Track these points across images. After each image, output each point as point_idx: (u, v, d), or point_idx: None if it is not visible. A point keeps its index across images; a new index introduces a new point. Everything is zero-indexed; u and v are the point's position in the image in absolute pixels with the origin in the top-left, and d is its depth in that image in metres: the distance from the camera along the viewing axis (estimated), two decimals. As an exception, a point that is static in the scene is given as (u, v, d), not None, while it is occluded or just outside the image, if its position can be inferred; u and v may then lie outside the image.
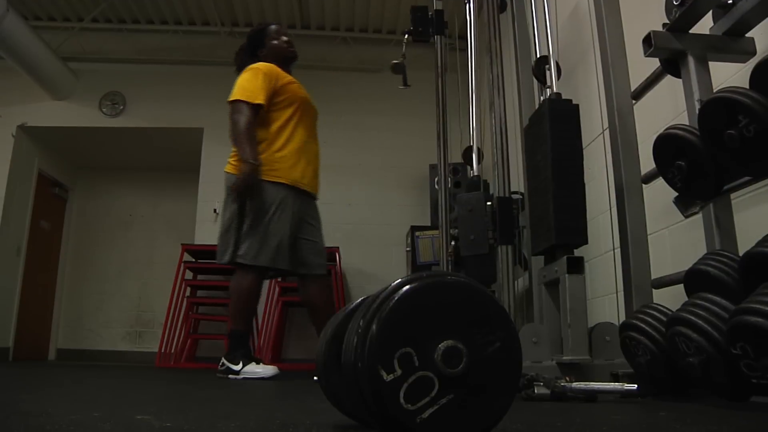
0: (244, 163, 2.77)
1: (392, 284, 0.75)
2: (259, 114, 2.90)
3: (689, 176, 1.70)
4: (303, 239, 3.00)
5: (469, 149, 3.37)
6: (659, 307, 1.68)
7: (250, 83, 2.91)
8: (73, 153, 6.56)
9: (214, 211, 5.71)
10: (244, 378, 2.73)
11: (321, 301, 3.07)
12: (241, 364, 2.77)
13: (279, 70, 3.05)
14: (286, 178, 2.90)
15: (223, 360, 2.83)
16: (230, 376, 2.77)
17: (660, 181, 1.92)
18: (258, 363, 2.82)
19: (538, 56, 2.62)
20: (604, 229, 2.74)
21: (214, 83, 5.75)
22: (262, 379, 2.73)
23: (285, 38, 3.16)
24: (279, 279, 5.21)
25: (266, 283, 5.23)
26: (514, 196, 2.79)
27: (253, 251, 2.80)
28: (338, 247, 5.29)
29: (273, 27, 3.21)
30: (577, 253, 2.16)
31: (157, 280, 6.31)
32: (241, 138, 2.81)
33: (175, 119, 5.98)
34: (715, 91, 1.76)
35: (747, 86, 1.46)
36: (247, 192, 2.78)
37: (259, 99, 2.88)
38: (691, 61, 1.86)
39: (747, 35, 1.82)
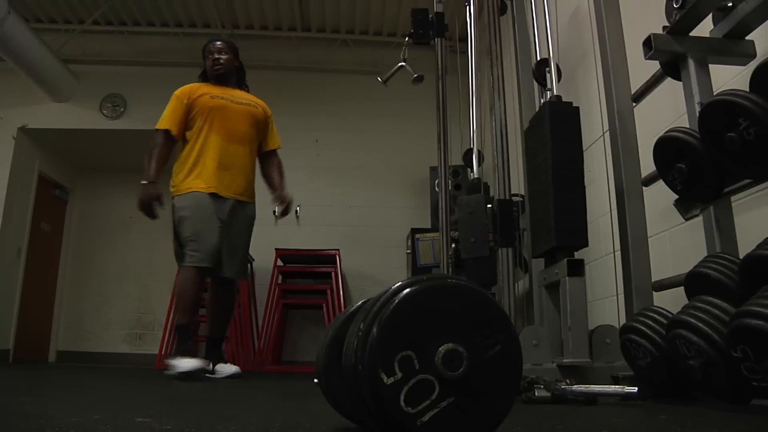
0: (142, 183, 3.05)
1: (393, 287, 0.75)
2: (181, 135, 3.17)
3: (689, 179, 1.70)
4: (226, 240, 3.09)
5: (470, 151, 3.37)
6: (660, 309, 1.68)
7: (165, 110, 3.19)
8: (73, 155, 6.56)
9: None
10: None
11: (216, 304, 3.24)
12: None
13: (197, 86, 3.24)
14: (195, 187, 3.05)
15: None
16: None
17: (660, 184, 1.92)
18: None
19: (538, 59, 2.63)
20: (604, 232, 2.74)
21: (215, 85, 5.77)
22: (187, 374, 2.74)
23: (211, 56, 3.28)
24: (280, 282, 5.23)
25: (266, 285, 5.28)
26: (515, 199, 2.79)
27: (181, 254, 3.06)
28: (338, 250, 5.29)
29: (206, 46, 3.34)
30: (577, 255, 2.16)
31: (157, 282, 6.30)
32: (146, 161, 3.10)
33: (175, 121, 5.97)
34: (715, 93, 1.76)
35: (747, 89, 1.46)
36: (144, 209, 3.03)
37: (165, 125, 3.13)
38: (691, 64, 1.86)
39: (747, 38, 1.82)
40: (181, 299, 3.00)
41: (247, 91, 3.42)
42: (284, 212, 3.35)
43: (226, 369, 3.08)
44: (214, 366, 3.05)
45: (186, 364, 2.75)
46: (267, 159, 3.47)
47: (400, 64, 3.34)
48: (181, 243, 3.03)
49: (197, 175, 3.06)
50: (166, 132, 3.11)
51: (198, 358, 2.85)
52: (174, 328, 2.97)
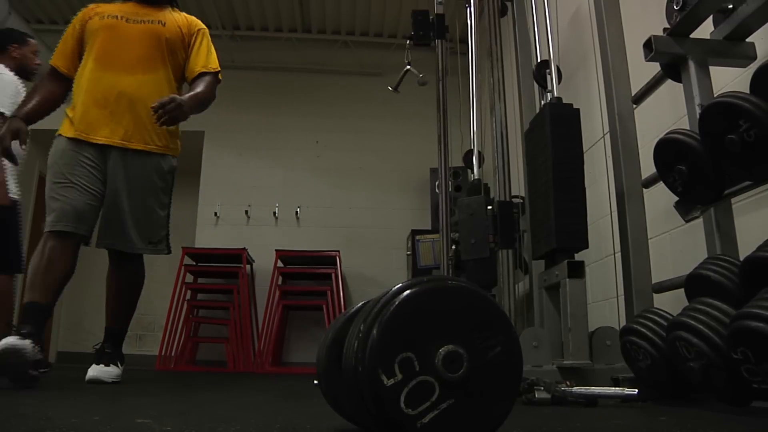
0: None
1: (393, 289, 0.75)
2: (73, 70, 2.51)
3: (690, 181, 1.70)
4: (107, 200, 2.39)
5: (470, 153, 3.38)
6: (660, 311, 1.68)
7: None
8: (74, 156, 6.56)
9: (215, 214, 5.72)
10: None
11: (110, 286, 2.56)
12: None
13: (96, 6, 2.56)
14: (62, 131, 2.46)
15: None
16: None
17: (661, 186, 1.92)
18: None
19: (538, 60, 2.63)
20: (604, 234, 2.74)
21: (215, 86, 5.77)
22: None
23: None
24: (280, 283, 5.22)
25: (266, 286, 5.27)
26: (515, 200, 2.80)
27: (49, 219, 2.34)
28: (339, 251, 5.29)
29: None
30: (577, 257, 2.16)
31: (157, 283, 6.28)
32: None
33: (175, 122, 5.98)
34: (715, 95, 1.76)
35: (748, 91, 1.46)
36: None
37: (52, 59, 2.53)
38: (691, 66, 1.86)
39: (747, 40, 1.82)
40: (29, 271, 2.32)
41: (177, 9, 2.71)
42: (162, 108, 2.25)
43: (109, 372, 2.39)
44: (103, 363, 2.42)
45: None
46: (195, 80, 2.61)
47: (406, 68, 3.35)
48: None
49: (71, 118, 2.44)
50: (52, 68, 2.51)
51: (22, 340, 1.99)
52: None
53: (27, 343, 1.95)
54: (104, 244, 2.40)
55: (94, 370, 2.36)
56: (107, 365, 2.40)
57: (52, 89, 2.50)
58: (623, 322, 2.01)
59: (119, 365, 2.52)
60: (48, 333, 6.47)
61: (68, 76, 2.49)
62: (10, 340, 1.93)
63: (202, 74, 2.56)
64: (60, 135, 2.43)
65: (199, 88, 2.50)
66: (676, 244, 2.35)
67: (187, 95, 2.40)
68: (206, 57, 2.60)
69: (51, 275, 2.29)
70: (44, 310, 2.34)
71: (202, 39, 2.64)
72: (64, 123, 2.45)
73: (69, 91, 2.49)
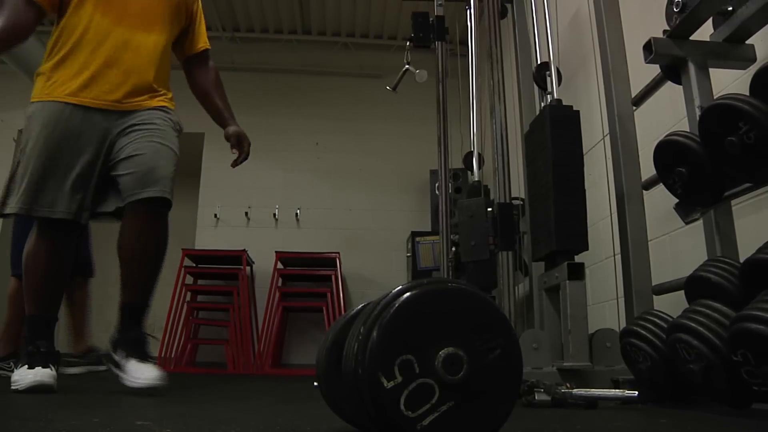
0: None
1: (393, 291, 0.75)
2: (54, 7, 2.10)
3: (690, 182, 1.70)
4: (115, 163, 2.02)
5: (470, 155, 3.38)
6: (660, 313, 1.68)
7: None
8: (74, 157, 6.57)
9: (215, 216, 5.72)
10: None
11: (128, 245, 2.03)
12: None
13: None
14: (55, 94, 1.98)
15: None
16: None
17: (660, 188, 1.92)
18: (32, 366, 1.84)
19: (538, 62, 2.63)
20: (604, 235, 2.74)
21: (216, 88, 5.78)
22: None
23: None
24: (280, 285, 5.21)
25: (266, 288, 5.27)
26: (515, 202, 2.79)
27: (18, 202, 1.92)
28: (339, 253, 5.29)
29: None
30: (577, 259, 2.16)
31: (157, 285, 6.30)
32: None
33: (176, 124, 5.99)
34: (715, 97, 1.76)
35: (747, 93, 1.47)
36: None
37: None
38: (691, 68, 1.86)
39: (747, 42, 1.82)
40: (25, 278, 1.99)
41: None
42: (242, 154, 2.33)
43: (145, 372, 1.84)
44: (123, 359, 1.92)
45: (29, 376, 1.78)
46: (197, 66, 2.34)
47: (405, 68, 3.35)
48: (10, 179, 1.95)
49: (65, 77, 1.99)
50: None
51: (49, 369, 1.84)
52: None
53: (54, 376, 1.83)
54: (136, 195, 1.96)
55: (145, 371, 1.84)
56: (146, 360, 1.91)
57: (24, 16, 1.96)
58: (623, 324, 2.00)
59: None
60: (48, 335, 6.46)
61: (42, 9, 2.02)
62: (41, 378, 1.79)
63: (206, 54, 2.36)
64: (54, 99, 1.97)
65: (218, 84, 2.37)
66: (676, 245, 2.35)
67: (226, 107, 2.38)
68: (205, 33, 2.38)
69: (52, 276, 2.07)
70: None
71: (200, 7, 2.36)
72: (53, 82, 1.99)
73: (36, 25, 2.03)
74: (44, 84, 2.01)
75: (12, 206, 1.92)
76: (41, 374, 1.79)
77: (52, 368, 1.86)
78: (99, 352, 3.16)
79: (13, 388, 1.79)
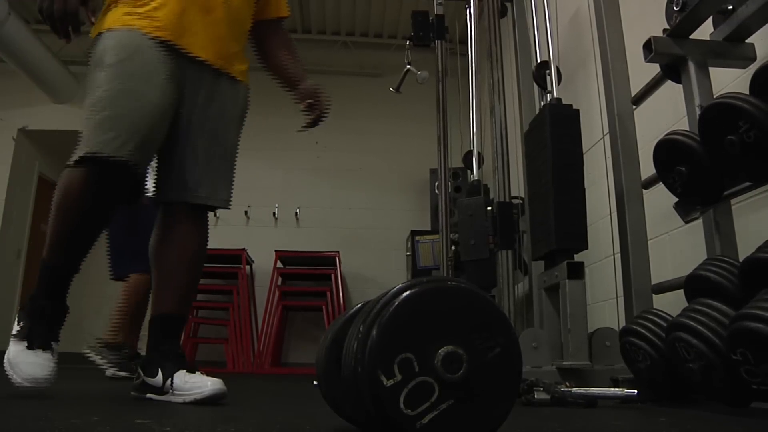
0: None
1: (392, 289, 0.75)
2: None
3: (689, 181, 1.70)
4: (188, 137, 1.69)
5: (470, 154, 3.38)
6: (659, 312, 1.68)
7: None
8: (73, 156, 6.57)
9: (215, 215, 5.71)
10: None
11: (172, 252, 1.74)
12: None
13: None
14: (139, 25, 1.59)
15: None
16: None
17: (660, 187, 1.92)
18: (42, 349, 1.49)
19: (538, 61, 2.63)
20: (604, 234, 2.74)
21: (215, 87, 5.78)
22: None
23: None
24: (280, 284, 5.21)
25: (266, 287, 5.28)
26: (515, 201, 2.79)
27: (85, 136, 1.52)
28: (338, 252, 5.29)
29: None
30: (577, 258, 2.16)
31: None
32: None
33: (175, 123, 5.98)
34: (715, 96, 1.76)
35: (747, 92, 1.47)
36: (54, 16, 1.49)
37: None
38: (691, 67, 1.86)
39: (747, 41, 1.82)
40: (56, 215, 1.54)
41: None
42: (316, 115, 1.98)
43: (203, 380, 1.51)
44: (168, 378, 1.53)
45: (30, 363, 1.45)
46: (270, 33, 2.01)
47: (406, 68, 3.35)
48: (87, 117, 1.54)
49: (151, 9, 1.61)
50: None
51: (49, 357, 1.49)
52: (40, 271, 1.56)
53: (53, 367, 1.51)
54: (186, 196, 1.71)
55: (203, 380, 1.51)
56: (193, 371, 1.57)
57: None
58: (623, 323, 2.00)
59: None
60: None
61: None
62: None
63: (281, 23, 2.05)
64: (136, 28, 1.59)
65: (291, 48, 2.06)
66: (676, 244, 2.35)
67: (298, 67, 2.03)
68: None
69: (91, 227, 1.62)
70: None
71: None
72: (126, 15, 1.61)
73: None
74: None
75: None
76: (39, 365, 1.46)
77: (54, 349, 1.52)
78: (128, 354, 3.11)
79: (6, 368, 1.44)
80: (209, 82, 1.72)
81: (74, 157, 1.52)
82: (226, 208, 1.89)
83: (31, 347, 1.48)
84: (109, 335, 3.13)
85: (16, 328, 1.52)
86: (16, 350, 1.47)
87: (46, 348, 1.50)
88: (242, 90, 1.84)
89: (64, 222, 1.55)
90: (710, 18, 1.86)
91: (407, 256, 5.22)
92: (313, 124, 2.00)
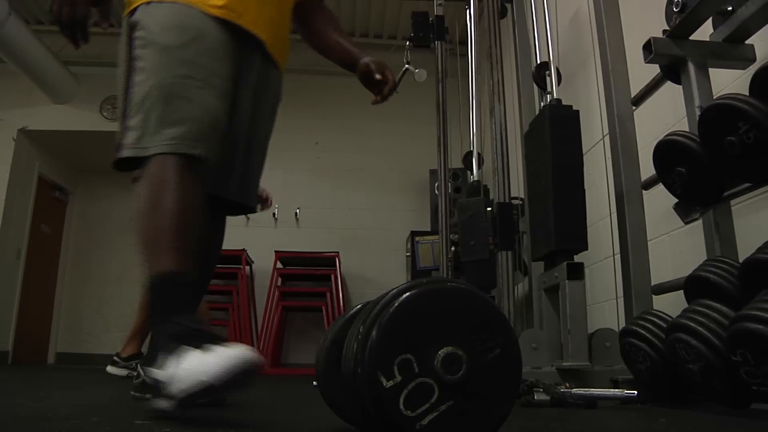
0: None
1: (392, 290, 0.75)
2: None
3: (689, 182, 1.70)
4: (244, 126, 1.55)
5: (470, 154, 3.38)
6: (659, 313, 1.68)
7: None
8: (73, 156, 6.56)
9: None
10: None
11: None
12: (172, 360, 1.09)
13: None
14: (198, 2, 1.43)
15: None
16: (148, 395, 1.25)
17: (660, 187, 1.92)
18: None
19: (538, 62, 2.63)
20: (604, 235, 2.74)
21: (215, 88, 5.77)
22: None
23: None
24: (279, 284, 5.21)
25: (265, 287, 5.28)
26: (515, 202, 2.79)
27: (148, 127, 1.32)
28: (338, 252, 5.29)
29: None
30: (577, 258, 2.16)
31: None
32: None
33: (175, 123, 5.98)
34: (715, 97, 1.76)
35: (747, 93, 1.47)
36: (62, 18, 1.46)
37: None
38: (691, 68, 1.86)
39: (747, 42, 1.82)
40: (155, 218, 1.29)
41: None
42: (391, 87, 1.87)
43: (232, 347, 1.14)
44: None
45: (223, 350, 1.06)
46: (316, 10, 1.88)
47: (404, 68, 3.35)
48: (130, 105, 1.37)
49: None
50: None
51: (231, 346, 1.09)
52: (150, 288, 1.24)
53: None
54: (246, 197, 1.61)
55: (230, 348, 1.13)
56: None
57: None
58: (622, 324, 2.00)
59: None
60: (47, 334, 6.46)
61: None
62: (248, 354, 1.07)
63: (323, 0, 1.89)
64: (186, 3, 1.42)
65: (338, 26, 1.93)
66: (676, 245, 2.35)
67: (351, 41, 1.93)
68: None
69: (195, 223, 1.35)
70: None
71: None
72: None
73: None
74: None
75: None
76: (238, 350, 1.06)
77: None
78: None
79: (181, 387, 1.04)
80: (262, 69, 1.58)
81: (140, 151, 1.31)
82: (254, 212, 1.73)
83: (203, 348, 1.06)
84: (131, 347, 3.07)
85: (163, 370, 1.08)
86: (190, 358, 1.05)
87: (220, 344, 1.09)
88: (280, 78, 1.72)
89: (172, 216, 1.28)
90: (710, 19, 1.86)
91: (407, 256, 5.21)
92: (386, 98, 1.89)
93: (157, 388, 1.09)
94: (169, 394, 1.06)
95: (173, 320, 1.14)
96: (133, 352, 3.05)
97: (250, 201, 1.63)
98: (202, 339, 1.08)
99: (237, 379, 1.01)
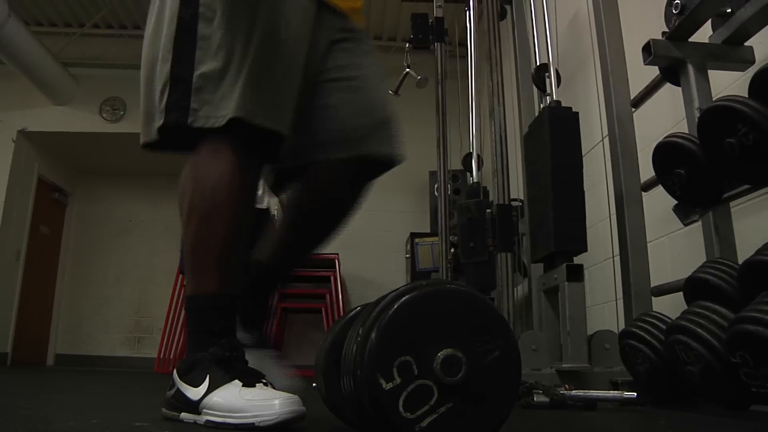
0: None
1: (392, 292, 0.75)
2: None
3: (689, 184, 1.70)
4: (329, 83, 1.37)
5: (469, 156, 3.38)
6: (659, 315, 1.68)
7: None
8: (73, 158, 6.56)
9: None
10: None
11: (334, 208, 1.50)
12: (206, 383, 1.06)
13: None
14: None
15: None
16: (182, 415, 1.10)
17: (659, 189, 1.92)
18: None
19: (537, 64, 2.63)
20: (603, 237, 2.74)
21: (215, 89, 5.77)
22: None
23: None
24: (279, 286, 5.21)
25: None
26: (514, 203, 2.80)
27: (237, 99, 1.14)
28: (338, 254, 5.29)
29: None
30: (576, 260, 2.16)
31: (156, 286, 6.30)
32: None
33: (175, 124, 5.97)
34: (714, 99, 1.77)
35: (746, 95, 1.47)
36: None
37: None
38: (690, 70, 1.86)
39: (746, 44, 1.82)
40: (216, 217, 1.16)
41: None
42: None
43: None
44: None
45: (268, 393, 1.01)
46: None
47: (405, 71, 3.35)
48: (176, 73, 1.18)
49: None
50: None
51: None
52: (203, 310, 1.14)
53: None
54: (387, 148, 1.45)
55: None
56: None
57: None
58: (622, 326, 2.00)
59: None
60: (46, 335, 6.46)
61: None
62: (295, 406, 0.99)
63: None
64: None
65: None
66: (675, 247, 2.35)
67: None
68: None
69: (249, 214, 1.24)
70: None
71: None
72: None
73: None
74: None
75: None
76: (285, 394, 1.00)
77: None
78: None
79: (214, 420, 1.01)
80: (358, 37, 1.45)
81: (209, 121, 1.14)
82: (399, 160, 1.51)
83: (250, 384, 1.03)
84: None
85: (199, 388, 1.05)
86: (232, 394, 1.00)
87: (266, 384, 1.06)
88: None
89: (224, 222, 1.15)
90: (709, 21, 1.87)
91: (407, 258, 5.21)
92: None
93: (183, 401, 1.08)
94: (195, 413, 1.05)
95: (219, 342, 1.08)
96: None
97: (396, 152, 1.47)
98: (249, 374, 1.05)
99: (275, 428, 0.96)
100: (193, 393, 1.06)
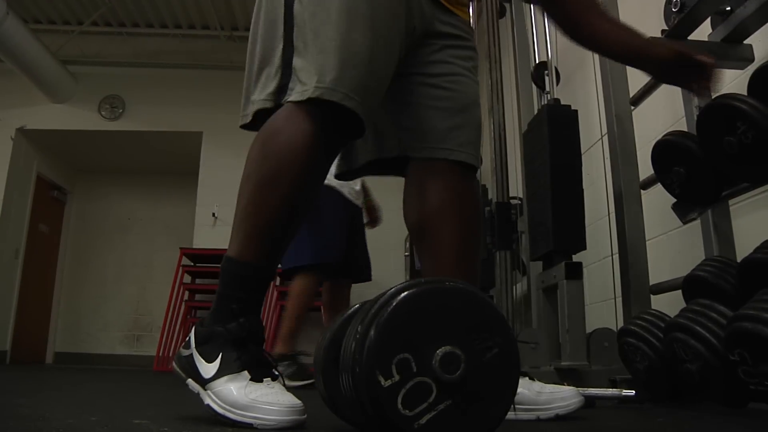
0: None
1: (391, 290, 0.75)
2: None
3: (688, 182, 1.70)
4: (423, 77, 1.36)
5: (468, 154, 3.37)
6: (657, 313, 1.68)
7: None
8: (72, 156, 6.56)
9: (213, 215, 5.71)
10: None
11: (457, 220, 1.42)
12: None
13: None
14: None
15: None
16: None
17: (658, 187, 1.92)
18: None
19: (537, 62, 2.63)
20: (602, 235, 2.74)
21: (214, 87, 5.76)
22: None
23: None
24: (277, 283, 5.20)
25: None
26: (513, 201, 2.80)
27: (318, 75, 1.10)
28: (337, 252, 5.29)
29: None
30: (575, 258, 2.16)
31: (155, 284, 6.30)
32: None
33: (174, 123, 5.98)
34: (713, 97, 1.76)
35: (745, 93, 1.47)
36: None
37: None
38: (689, 68, 1.86)
39: (745, 42, 1.82)
40: (269, 184, 1.13)
41: None
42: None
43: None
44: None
45: (274, 394, 1.01)
46: None
47: None
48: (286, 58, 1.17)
49: None
50: None
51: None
52: (230, 278, 1.14)
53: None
54: (459, 146, 1.39)
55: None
56: None
57: None
58: (621, 324, 2.01)
59: None
60: (45, 334, 6.46)
61: None
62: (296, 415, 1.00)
63: None
64: None
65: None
66: (674, 245, 2.35)
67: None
68: None
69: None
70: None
71: None
72: None
73: None
74: None
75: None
76: (284, 393, 1.02)
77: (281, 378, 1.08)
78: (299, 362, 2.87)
79: (217, 411, 1.04)
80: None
81: (294, 94, 1.11)
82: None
83: (257, 379, 1.03)
84: (281, 347, 2.93)
85: (210, 366, 1.07)
86: (238, 388, 1.01)
87: (274, 378, 1.06)
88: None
89: (280, 193, 1.11)
90: (708, 19, 1.86)
91: (406, 256, 5.21)
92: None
93: (194, 370, 1.09)
94: (201, 387, 1.08)
95: (238, 320, 1.08)
96: (283, 353, 2.90)
97: (444, 144, 1.41)
98: (259, 364, 1.06)
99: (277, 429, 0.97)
100: (204, 369, 1.07)
